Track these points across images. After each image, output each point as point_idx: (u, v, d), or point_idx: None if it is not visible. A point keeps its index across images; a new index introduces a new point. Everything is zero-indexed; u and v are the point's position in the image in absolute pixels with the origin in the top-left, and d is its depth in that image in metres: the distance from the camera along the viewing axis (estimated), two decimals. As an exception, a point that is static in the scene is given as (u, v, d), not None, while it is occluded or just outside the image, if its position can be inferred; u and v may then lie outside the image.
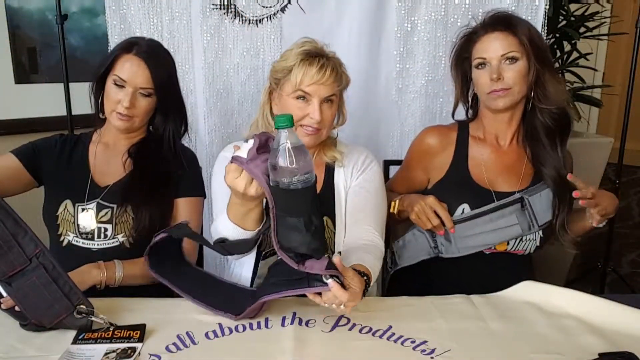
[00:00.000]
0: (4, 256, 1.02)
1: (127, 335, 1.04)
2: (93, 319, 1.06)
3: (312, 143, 1.33)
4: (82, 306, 1.05)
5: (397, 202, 1.45)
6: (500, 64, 1.34)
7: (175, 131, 1.47)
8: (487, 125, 1.47)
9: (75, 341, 1.03)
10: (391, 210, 1.44)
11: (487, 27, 1.37)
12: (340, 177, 1.39)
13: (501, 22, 1.35)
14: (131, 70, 1.35)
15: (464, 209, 1.40)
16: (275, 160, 0.94)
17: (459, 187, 1.44)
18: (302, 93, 1.28)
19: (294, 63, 1.28)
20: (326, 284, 0.98)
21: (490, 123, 1.46)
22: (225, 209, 1.16)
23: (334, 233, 1.34)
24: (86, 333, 1.05)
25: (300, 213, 0.97)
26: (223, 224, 1.15)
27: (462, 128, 1.51)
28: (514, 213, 1.38)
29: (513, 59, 1.33)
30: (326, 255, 1.01)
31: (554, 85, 1.37)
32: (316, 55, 1.28)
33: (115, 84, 1.35)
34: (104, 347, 1.01)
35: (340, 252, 1.35)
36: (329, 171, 1.40)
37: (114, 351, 0.99)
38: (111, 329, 1.06)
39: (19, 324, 1.08)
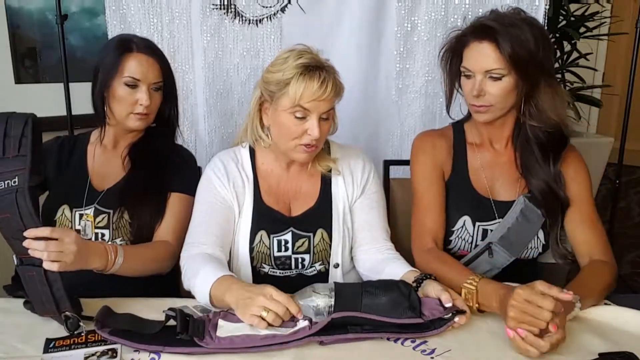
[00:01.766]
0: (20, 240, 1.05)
1: (102, 337, 1.03)
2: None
3: (309, 159, 1.31)
4: (67, 314, 1.06)
5: (466, 292, 1.15)
6: (485, 78, 1.27)
7: (173, 123, 1.48)
8: (481, 128, 1.41)
9: (46, 350, 1.01)
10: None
11: (476, 34, 1.27)
12: (339, 188, 1.37)
13: (489, 31, 1.25)
14: (142, 68, 1.34)
15: (465, 221, 1.36)
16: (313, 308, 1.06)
17: (460, 198, 1.39)
18: (300, 109, 1.22)
19: (292, 76, 1.21)
20: (452, 320, 1.06)
21: (483, 127, 1.40)
22: (214, 267, 1.14)
23: (330, 245, 1.33)
24: (56, 341, 1.04)
25: (357, 293, 1.06)
26: (201, 288, 1.12)
27: (458, 131, 1.45)
28: (484, 262, 1.33)
29: (498, 76, 1.25)
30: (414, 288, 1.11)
31: (548, 100, 1.29)
32: (315, 69, 1.22)
33: (127, 85, 1.34)
34: (81, 352, 1.00)
35: (337, 264, 1.35)
36: (325, 181, 1.37)
37: (93, 354, 0.99)
38: (83, 333, 1.05)
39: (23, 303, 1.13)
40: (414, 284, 1.15)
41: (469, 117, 1.45)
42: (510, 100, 1.30)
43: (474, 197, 1.38)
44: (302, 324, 1.03)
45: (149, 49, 1.38)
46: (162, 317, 1.05)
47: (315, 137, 1.23)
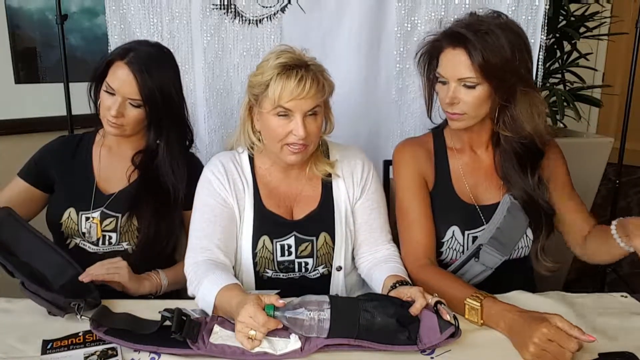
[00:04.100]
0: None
1: (99, 337, 1.03)
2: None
3: (299, 160, 1.27)
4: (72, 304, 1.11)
5: (469, 308, 1.14)
6: (459, 86, 1.25)
7: (172, 146, 1.40)
8: (460, 133, 1.39)
9: (44, 352, 1.01)
10: (467, 317, 1.14)
11: (449, 40, 1.26)
12: (340, 191, 1.36)
13: (461, 39, 1.23)
14: (120, 80, 1.31)
15: (454, 231, 1.34)
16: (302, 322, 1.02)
17: (446, 208, 1.36)
18: (282, 110, 1.20)
19: (271, 77, 1.19)
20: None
21: (462, 132, 1.38)
22: (220, 277, 1.14)
23: (333, 248, 1.33)
24: (54, 342, 1.04)
25: (355, 310, 1.03)
26: (205, 297, 1.13)
27: (437, 138, 1.43)
28: (475, 264, 1.32)
29: (471, 84, 1.24)
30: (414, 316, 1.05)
31: (524, 110, 1.28)
32: (294, 67, 1.20)
33: (106, 91, 1.33)
34: (80, 352, 1.00)
35: (339, 267, 1.34)
36: (326, 184, 1.36)
37: (93, 354, 0.99)
38: (80, 334, 1.06)
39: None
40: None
41: (447, 122, 1.41)
42: (484, 109, 1.29)
43: (460, 206, 1.36)
44: (294, 343, 1.02)
45: (139, 65, 1.31)
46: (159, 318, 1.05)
47: (301, 136, 1.21)
